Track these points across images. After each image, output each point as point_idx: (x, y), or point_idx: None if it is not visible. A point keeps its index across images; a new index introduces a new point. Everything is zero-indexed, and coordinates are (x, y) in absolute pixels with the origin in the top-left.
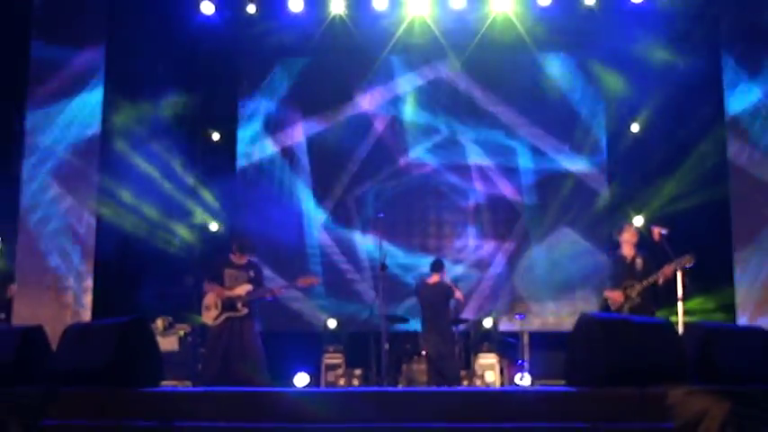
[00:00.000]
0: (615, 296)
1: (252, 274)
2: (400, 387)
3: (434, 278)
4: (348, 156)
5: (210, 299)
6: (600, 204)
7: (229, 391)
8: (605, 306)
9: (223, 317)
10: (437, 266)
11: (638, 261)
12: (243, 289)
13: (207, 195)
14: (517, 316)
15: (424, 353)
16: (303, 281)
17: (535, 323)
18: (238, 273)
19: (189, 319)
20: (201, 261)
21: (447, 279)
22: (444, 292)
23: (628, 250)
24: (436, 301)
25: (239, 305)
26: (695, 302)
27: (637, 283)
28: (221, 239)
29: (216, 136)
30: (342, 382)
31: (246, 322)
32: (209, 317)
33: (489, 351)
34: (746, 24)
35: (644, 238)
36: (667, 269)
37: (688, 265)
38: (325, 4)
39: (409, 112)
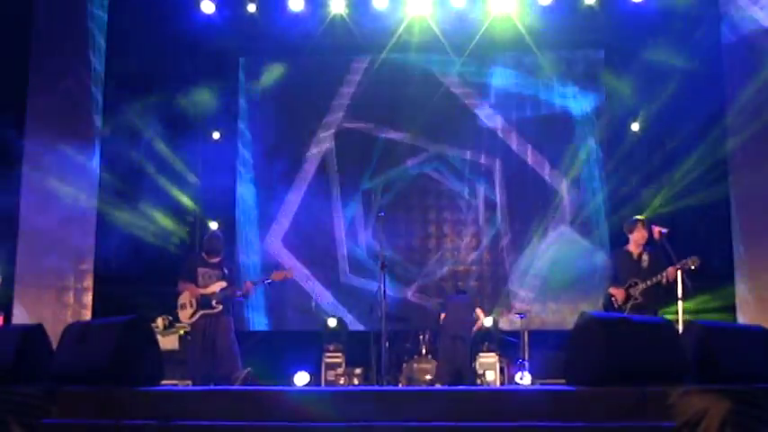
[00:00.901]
0: (618, 294)
1: (225, 271)
2: (400, 386)
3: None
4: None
5: (185, 297)
6: (601, 204)
7: (230, 391)
8: (609, 303)
9: (198, 314)
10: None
11: (645, 258)
12: (217, 286)
13: (208, 194)
14: (518, 315)
15: (424, 351)
16: (276, 275)
17: (536, 322)
18: (212, 271)
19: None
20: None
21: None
22: (471, 301)
23: (635, 247)
24: (462, 308)
25: (213, 302)
26: (696, 302)
27: (641, 282)
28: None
29: (216, 135)
30: (342, 381)
31: (222, 319)
32: (185, 315)
33: (490, 350)
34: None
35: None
36: (671, 271)
37: (693, 267)
38: (326, 3)
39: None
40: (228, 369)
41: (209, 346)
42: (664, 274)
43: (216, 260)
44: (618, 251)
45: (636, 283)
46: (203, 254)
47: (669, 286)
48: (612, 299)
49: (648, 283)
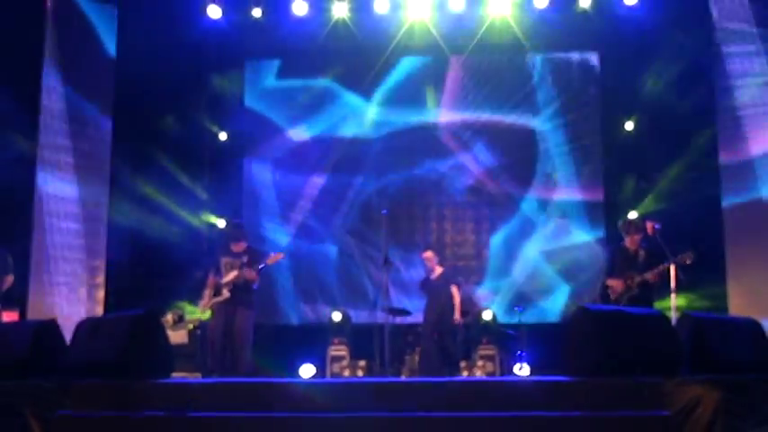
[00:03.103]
0: (616, 285)
1: (245, 260)
2: (403, 377)
3: (438, 270)
4: (356, 155)
5: (207, 287)
6: (598, 200)
7: (237, 382)
8: (606, 294)
9: (210, 303)
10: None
11: (641, 253)
12: (231, 275)
13: (216, 192)
14: (517, 308)
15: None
16: (271, 259)
17: (534, 315)
18: (233, 260)
19: (198, 313)
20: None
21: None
22: (448, 281)
23: (631, 243)
24: (441, 292)
25: (224, 290)
26: (687, 299)
27: (637, 275)
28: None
29: (223, 136)
30: (346, 373)
31: (235, 308)
32: (201, 304)
33: (489, 343)
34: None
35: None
36: (666, 266)
37: (688, 262)
38: (329, 8)
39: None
40: (239, 366)
41: (225, 337)
42: (660, 269)
43: (240, 249)
44: (615, 247)
45: (633, 276)
46: (228, 244)
47: (664, 279)
48: (610, 290)
49: (646, 276)
